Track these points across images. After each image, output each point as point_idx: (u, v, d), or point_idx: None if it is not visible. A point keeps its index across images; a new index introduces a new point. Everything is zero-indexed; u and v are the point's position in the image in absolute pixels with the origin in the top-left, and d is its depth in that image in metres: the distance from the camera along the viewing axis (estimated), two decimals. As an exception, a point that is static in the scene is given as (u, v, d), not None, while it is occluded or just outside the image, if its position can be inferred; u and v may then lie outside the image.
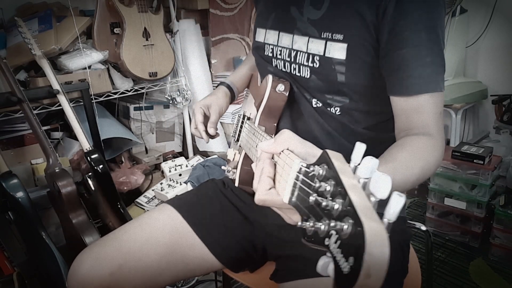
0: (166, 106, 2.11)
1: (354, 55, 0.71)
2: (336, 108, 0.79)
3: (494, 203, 1.77)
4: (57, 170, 1.36)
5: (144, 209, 1.82)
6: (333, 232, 0.34)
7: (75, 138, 1.63)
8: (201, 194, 0.96)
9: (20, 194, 1.28)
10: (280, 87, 0.80)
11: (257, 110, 0.83)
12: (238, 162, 0.91)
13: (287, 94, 0.80)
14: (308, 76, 0.78)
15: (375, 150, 0.79)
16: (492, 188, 1.81)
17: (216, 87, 1.04)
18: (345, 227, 0.32)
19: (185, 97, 2.05)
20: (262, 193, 0.54)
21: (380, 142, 0.76)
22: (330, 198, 0.36)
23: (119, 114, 2.12)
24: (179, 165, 1.96)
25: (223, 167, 0.98)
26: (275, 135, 0.81)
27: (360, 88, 0.75)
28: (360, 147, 0.40)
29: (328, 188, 0.37)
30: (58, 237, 1.49)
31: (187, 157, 2.15)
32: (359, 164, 0.38)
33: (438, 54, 0.68)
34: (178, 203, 0.91)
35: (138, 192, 1.91)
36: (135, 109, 2.03)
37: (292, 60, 0.80)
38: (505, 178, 1.90)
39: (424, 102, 0.68)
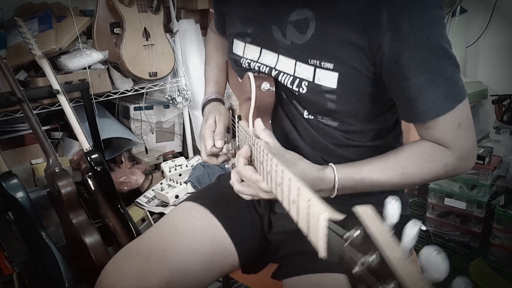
0: (166, 106, 2.11)
1: (346, 84, 0.67)
2: (327, 127, 0.76)
3: (494, 203, 1.77)
4: (57, 170, 1.36)
5: (144, 209, 1.82)
6: None
7: (75, 138, 1.63)
8: (226, 192, 0.91)
9: (20, 194, 1.28)
10: (265, 86, 0.75)
11: (248, 111, 0.80)
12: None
13: (274, 89, 0.76)
14: (296, 95, 0.74)
15: (372, 154, 0.79)
16: (492, 188, 1.81)
17: (205, 106, 0.95)
18: None
19: (185, 97, 2.05)
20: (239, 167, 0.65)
21: (377, 147, 0.76)
22: (382, 279, 0.31)
23: (119, 114, 2.12)
24: (179, 165, 1.96)
25: (226, 166, 0.97)
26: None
27: (352, 113, 0.72)
28: (394, 206, 0.35)
29: (372, 262, 0.32)
30: (58, 237, 1.49)
31: (187, 157, 2.15)
32: (397, 222, 0.35)
33: (449, 66, 0.64)
34: (210, 204, 0.87)
35: (138, 192, 1.91)
36: (135, 109, 2.03)
37: (274, 79, 0.76)
38: (505, 178, 1.90)
39: (439, 122, 0.66)
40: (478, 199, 1.78)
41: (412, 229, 0.33)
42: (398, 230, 0.34)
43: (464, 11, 2.20)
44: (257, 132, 0.68)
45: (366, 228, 0.34)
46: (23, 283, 1.38)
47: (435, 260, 0.30)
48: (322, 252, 0.42)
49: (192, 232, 0.82)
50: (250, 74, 0.76)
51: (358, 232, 0.35)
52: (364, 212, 0.36)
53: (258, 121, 0.69)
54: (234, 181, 0.68)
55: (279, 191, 0.55)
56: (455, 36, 2.19)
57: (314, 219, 0.43)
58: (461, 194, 1.83)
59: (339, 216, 0.39)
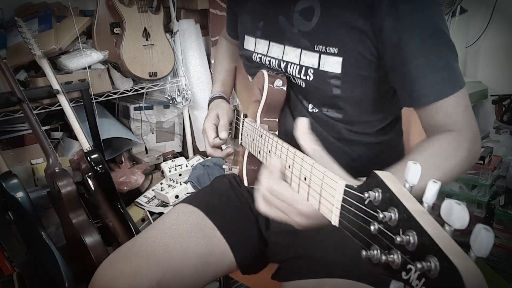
0: (166, 106, 2.11)
1: (350, 69, 0.68)
2: (332, 120, 0.77)
3: (494, 203, 1.77)
4: (57, 170, 1.36)
5: (144, 209, 1.82)
6: (412, 267, 0.31)
7: (75, 138, 1.63)
8: (220, 193, 0.92)
9: (20, 194, 1.28)
10: (278, 83, 0.77)
11: (257, 108, 0.81)
12: (242, 162, 0.90)
13: (285, 89, 0.78)
14: (303, 86, 0.76)
15: (373, 152, 0.78)
16: (492, 188, 1.81)
17: (210, 104, 0.97)
18: (432, 266, 0.29)
19: (185, 97, 2.05)
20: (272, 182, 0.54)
21: (378, 145, 0.76)
22: (400, 230, 0.32)
23: (119, 114, 2.12)
24: (179, 165, 1.96)
25: (224, 166, 0.97)
26: (278, 132, 0.80)
27: (356, 100, 0.73)
28: (415, 168, 0.36)
29: (393, 216, 0.33)
30: (58, 237, 1.49)
31: (187, 157, 2.15)
32: (414, 185, 0.36)
33: (447, 50, 0.64)
34: (204, 205, 0.88)
35: (138, 192, 1.91)
36: (135, 109, 2.03)
37: (283, 71, 0.78)
38: (505, 178, 1.90)
39: (444, 105, 0.64)
40: (478, 199, 1.78)
41: (433, 186, 0.33)
42: None
43: (464, 11, 2.20)
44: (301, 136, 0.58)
45: (386, 187, 0.35)
46: (23, 283, 1.38)
47: (456, 209, 0.31)
48: (335, 219, 0.43)
49: (184, 233, 0.82)
50: (264, 71, 0.79)
51: (378, 193, 0.36)
52: (384, 175, 0.37)
53: (304, 120, 0.58)
54: (259, 201, 0.56)
55: (288, 173, 0.56)
56: (455, 36, 2.19)
57: (329, 188, 0.45)
58: (461, 194, 1.83)
59: (356, 182, 0.41)
